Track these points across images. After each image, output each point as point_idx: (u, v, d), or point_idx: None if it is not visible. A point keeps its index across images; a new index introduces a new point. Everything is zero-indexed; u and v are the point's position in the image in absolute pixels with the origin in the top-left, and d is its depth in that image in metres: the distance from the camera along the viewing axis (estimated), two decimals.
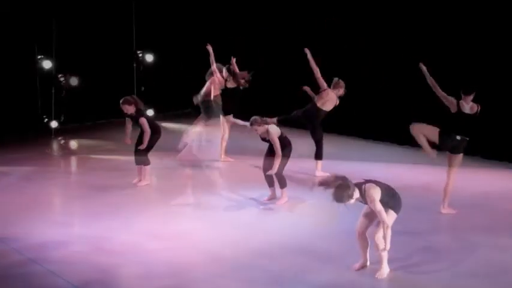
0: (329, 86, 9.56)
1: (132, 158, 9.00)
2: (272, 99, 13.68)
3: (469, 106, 7.57)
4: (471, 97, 7.56)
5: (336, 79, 9.59)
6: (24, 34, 12.59)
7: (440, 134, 7.63)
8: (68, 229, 7.40)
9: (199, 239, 7.17)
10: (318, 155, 9.59)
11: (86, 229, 7.41)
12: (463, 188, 7.98)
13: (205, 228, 7.49)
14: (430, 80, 7.66)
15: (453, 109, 7.61)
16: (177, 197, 8.55)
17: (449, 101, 7.63)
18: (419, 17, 11.23)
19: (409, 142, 11.55)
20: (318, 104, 9.49)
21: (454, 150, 7.64)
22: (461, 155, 7.69)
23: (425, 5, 11.16)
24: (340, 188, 5.63)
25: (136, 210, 8.07)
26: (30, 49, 12.79)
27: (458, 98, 7.64)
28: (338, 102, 9.61)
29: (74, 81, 12.66)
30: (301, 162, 9.45)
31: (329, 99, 9.50)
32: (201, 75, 10.49)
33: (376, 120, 12.18)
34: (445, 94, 7.66)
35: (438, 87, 7.66)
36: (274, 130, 8.14)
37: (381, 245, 5.90)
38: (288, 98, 12.41)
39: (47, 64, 12.86)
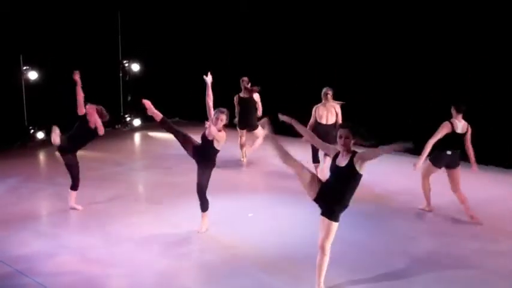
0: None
1: (118, 169, 8.89)
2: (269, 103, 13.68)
3: (461, 125, 7.62)
4: (461, 115, 7.62)
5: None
6: (9, 44, 12.51)
7: (432, 151, 7.73)
8: (55, 240, 7.35)
9: (186, 248, 7.15)
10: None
11: (73, 240, 7.36)
12: (446, 193, 8.00)
13: (193, 237, 7.46)
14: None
15: (448, 131, 7.65)
16: (165, 207, 8.52)
17: (445, 127, 7.67)
18: (416, 23, 11.28)
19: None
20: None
21: (450, 165, 7.66)
22: (458, 168, 7.69)
23: (422, 10, 11.20)
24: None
25: (123, 221, 8.02)
26: (16, 59, 12.72)
27: (449, 117, 7.71)
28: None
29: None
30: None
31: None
32: (187, 84, 10.47)
33: (365, 125, 12.19)
34: (439, 132, 7.69)
35: (435, 138, 7.70)
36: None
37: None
38: (285, 102, 12.32)
39: (32, 75, 12.80)
